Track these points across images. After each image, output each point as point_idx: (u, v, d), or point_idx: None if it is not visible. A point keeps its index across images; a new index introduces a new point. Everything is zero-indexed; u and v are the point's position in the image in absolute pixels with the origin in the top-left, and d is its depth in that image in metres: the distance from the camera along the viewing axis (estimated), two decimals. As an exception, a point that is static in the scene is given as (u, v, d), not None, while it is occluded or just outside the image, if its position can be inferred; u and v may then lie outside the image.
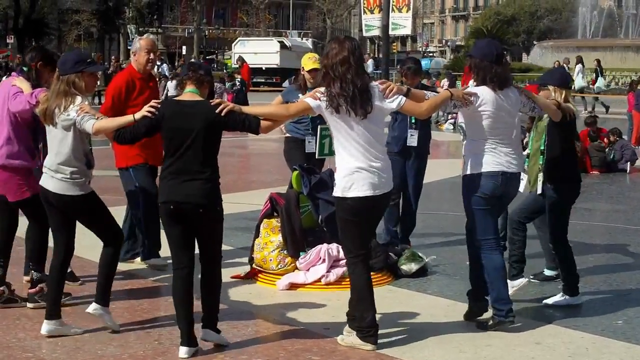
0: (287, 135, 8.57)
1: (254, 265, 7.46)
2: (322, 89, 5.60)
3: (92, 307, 5.87)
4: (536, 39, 56.63)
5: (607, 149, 16.04)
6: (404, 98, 5.70)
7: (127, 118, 5.73)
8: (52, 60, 6.54)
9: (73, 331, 5.86)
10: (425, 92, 6.15)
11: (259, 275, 7.40)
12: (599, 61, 35.95)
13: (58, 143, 5.84)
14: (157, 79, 33.35)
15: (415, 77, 8.43)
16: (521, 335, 6.00)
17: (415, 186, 8.50)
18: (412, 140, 8.35)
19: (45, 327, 5.79)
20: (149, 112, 5.56)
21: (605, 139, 16.34)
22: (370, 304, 5.67)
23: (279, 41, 52.14)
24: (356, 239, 5.72)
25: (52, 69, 6.44)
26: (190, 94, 5.60)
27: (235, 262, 7.82)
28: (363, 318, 5.66)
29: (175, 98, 5.84)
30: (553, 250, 7.00)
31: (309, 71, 8.24)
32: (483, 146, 6.06)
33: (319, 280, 7.11)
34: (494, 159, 6.06)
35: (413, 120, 8.25)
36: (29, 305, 6.43)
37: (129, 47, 37.42)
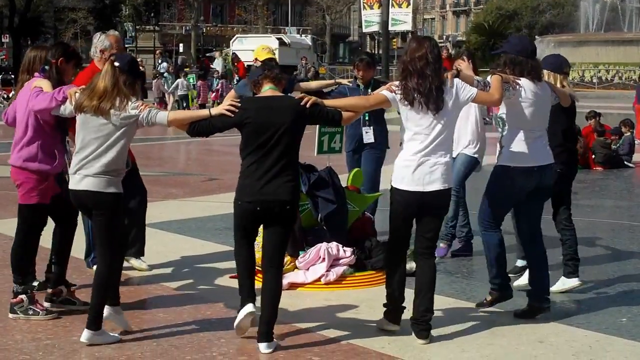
0: None
1: (253, 265, 7.37)
2: (397, 82, 5.77)
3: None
4: (538, 34, 56.46)
5: (612, 143, 15.96)
6: (475, 90, 5.84)
7: (203, 112, 5.75)
8: (75, 55, 6.37)
9: (112, 338, 5.69)
10: (474, 75, 6.15)
11: (258, 275, 7.30)
12: None
13: (103, 140, 5.58)
14: (154, 77, 32.79)
15: (368, 70, 8.45)
16: (524, 333, 5.94)
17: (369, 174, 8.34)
18: (368, 137, 8.37)
19: (85, 335, 5.59)
20: (228, 110, 5.55)
21: (612, 135, 16.24)
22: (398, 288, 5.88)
23: (277, 38, 52.09)
24: (395, 230, 5.86)
25: (75, 64, 6.33)
26: (271, 90, 5.65)
27: (234, 262, 7.72)
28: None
29: (258, 95, 5.77)
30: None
31: (263, 62, 8.16)
32: (522, 137, 6.21)
33: (318, 279, 7.05)
34: (530, 154, 6.19)
35: (367, 118, 8.27)
36: (10, 315, 6.16)
37: (125, 45, 36.90)
